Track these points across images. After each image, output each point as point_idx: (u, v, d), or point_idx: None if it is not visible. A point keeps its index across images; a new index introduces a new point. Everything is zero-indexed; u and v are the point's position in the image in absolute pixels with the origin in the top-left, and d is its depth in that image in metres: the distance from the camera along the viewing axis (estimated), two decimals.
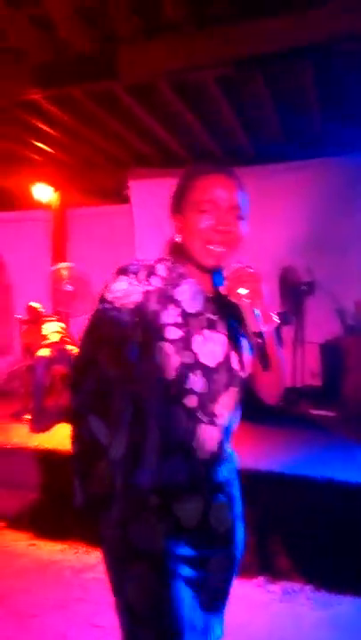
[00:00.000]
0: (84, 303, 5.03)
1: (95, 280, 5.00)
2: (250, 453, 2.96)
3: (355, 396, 4.48)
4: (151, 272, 1.12)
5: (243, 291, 1.03)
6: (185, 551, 1.11)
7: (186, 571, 1.11)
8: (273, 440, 3.80)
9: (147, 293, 1.09)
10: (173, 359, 1.06)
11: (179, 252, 1.17)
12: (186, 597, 1.10)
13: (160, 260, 1.16)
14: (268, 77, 3.76)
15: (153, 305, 1.09)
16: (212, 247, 1.10)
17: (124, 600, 1.10)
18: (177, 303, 1.10)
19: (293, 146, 5.00)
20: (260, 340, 1.03)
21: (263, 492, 2.82)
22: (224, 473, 1.15)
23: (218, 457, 1.13)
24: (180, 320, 1.08)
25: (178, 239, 1.15)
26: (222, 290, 1.07)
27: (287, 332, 4.98)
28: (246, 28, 3.00)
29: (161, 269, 1.13)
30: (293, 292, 5.13)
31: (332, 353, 4.99)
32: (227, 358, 1.12)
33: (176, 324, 1.08)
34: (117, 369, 1.08)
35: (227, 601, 1.22)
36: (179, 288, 1.12)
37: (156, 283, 1.11)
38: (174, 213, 1.17)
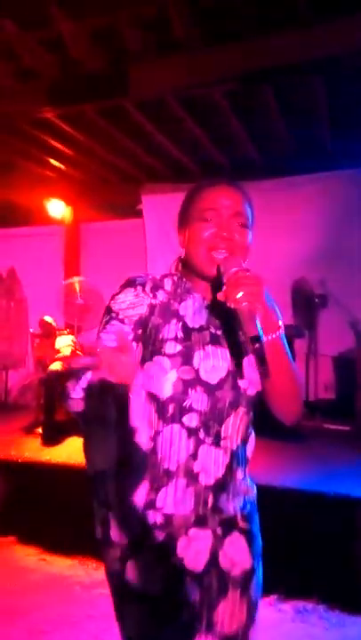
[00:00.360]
0: (95, 317, 5.06)
1: (107, 294, 5.03)
2: (262, 468, 2.91)
3: None
4: (157, 286, 1.11)
5: (240, 294, 0.96)
6: (189, 595, 1.03)
7: (187, 616, 1.03)
8: (286, 455, 3.74)
9: (151, 306, 1.08)
10: (170, 374, 1.03)
11: (185, 268, 1.16)
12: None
13: (167, 275, 1.15)
14: (277, 91, 3.78)
15: (156, 318, 1.07)
16: (215, 254, 1.07)
17: (124, 632, 1.08)
18: (180, 318, 1.08)
19: (304, 159, 5.01)
20: (257, 345, 0.95)
21: (275, 507, 2.77)
22: (239, 505, 1.07)
23: (226, 484, 1.05)
24: (181, 335, 1.06)
25: (183, 253, 1.14)
26: (220, 296, 1.00)
27: (300, 344, 4.94)
28: (254, 44, 3.04)
29: (167, 284, 1.12)
30: (306, 305, 5.10)
31: (345, 366, 4.94)
32: (231, 375, 1.06)
33: (176, 339, 1.05)
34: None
35: None
36: (184, 303, 1.10)
37: (161, 297, 1.10)
38: (180, 228, 1.16)
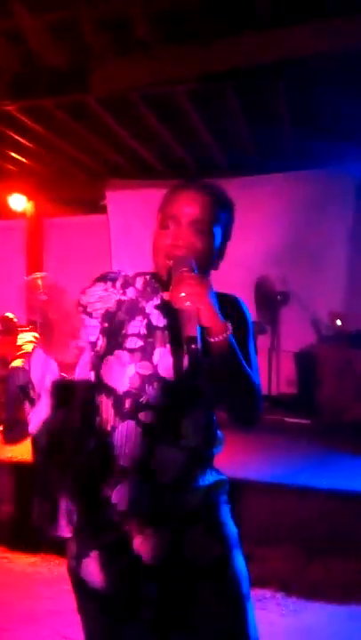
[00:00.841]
0: (58, 313, 5.02)
1: (71, 289, 5.00)
2: (223, 460, 2.97)
3: (329, 405, 4.54)
4: (128, 283, 1.12)
5: (182, 294, 0.96)
6: (150, 590, 1.00)
7: (148, 613, 1.00)
8: (247, 448, 3.82)
9: (119, 302, 1.09)
10: (129, 368, 1.04)
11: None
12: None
13: (140, 274, 1.16)
14: (238, 91, 3.84)
15: (122, 314, 1.09)
16: (170, 262, 1.07)
17: (84, 630, 1.06)
18: (145, 315, 1.09)
19: (266, 159, 5.10)
20: (193, 346, 0.93)
21: (235, 498, 2.84)
22: (201, 501, 1.06)
23: (185, 482, 1.04)
24: (144, 331, 1.07)
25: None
26: (165, 296, 1.01)
27: (263, 340, 5.04)
28: (214, 46, 3.08)
29: (138, 282, 1.13)
30: (268, 302, 5.20)
31: (307, 362, 5.06)
32: (191, 375, 1.04)
33: (139, 335, 1.06)
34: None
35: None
36: (151, 302, 1.11)
37: (130, 294, 1.11)
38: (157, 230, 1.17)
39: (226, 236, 1.15)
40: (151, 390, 1.03)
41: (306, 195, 5.24)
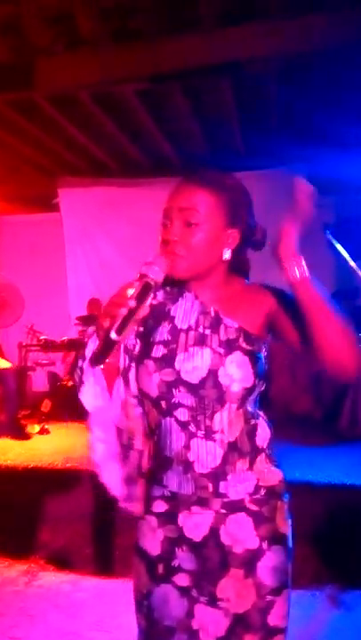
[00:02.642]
0: (12, 312, 4.94)
1: (24, 288, 4.93)
2: None
3: (280, 397, 4.66)
4: (159, 286, 1.09)
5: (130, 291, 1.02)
6: (187, 564, 1.09)
7: (183, 581, 1.09)
8: None
9: (152, 307, 1.09)
10: (154, 377, 1.09)
11: None
12: (172, 600, 1.08)
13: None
14: (187, 92, 3.88)
15: (151, 320, 1.12)
16: (170, 257, 1.07)
17: (133, 583, 1.16)
18: (171, 319, 1.12)
19: (218, 158, 5.16)
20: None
21: None
22: (247, 490, 1.09)
23: (225, 473, 1.07)
24: (168, 337, 1.10)
25: None
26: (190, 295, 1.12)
27: None
28: (161, 46, 3.11)
29: (168, 284, 1.13)
30: None
31: (270, 356, 5.14)
32: (212, 374, 1.06)
33: (163, 342, 1.10)
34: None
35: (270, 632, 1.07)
36: (177, 303, 1.13)
37: (160, 297, 1.15)
38: None
39: (235, 221, 1.10)
40: (178, 393, 1.08)
41: (260, 194, 5.32)
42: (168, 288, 1.15)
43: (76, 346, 5.08)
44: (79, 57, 3.27)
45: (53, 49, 3.23)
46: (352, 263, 3.40)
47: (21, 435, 4.05)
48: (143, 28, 3.10)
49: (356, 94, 3.88)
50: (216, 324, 1.10)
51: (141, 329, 1.12)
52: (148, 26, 3.03)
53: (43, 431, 4.20)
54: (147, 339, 1.11)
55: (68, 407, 4.60)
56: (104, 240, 5.90)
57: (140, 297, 1.00)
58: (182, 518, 1.09)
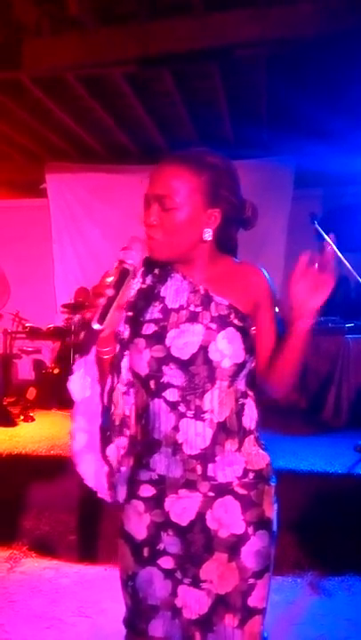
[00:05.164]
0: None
1: (10, 275, 4.88)
2: None
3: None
4: (148, 270, 1.15)
5: (109, 279, 1.04)
6: (172, 548, 1.09)
7: (168, 563, 1.09)
8: None
9: (140, 290, 1.12)
10: (144, 353, 1.08)
11: None
12: (157, 582, 1.09)
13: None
14: (177, 77, 3.84)
15: (140, 302, 1.12)
16: (150, 242, 1.08)
17: (119, 566, 1.16)
18: (161, 300, 1.11)
19: (207, 145, 5.11)
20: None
21: None
22: (235, 474, 1.08)
23: (213, 454, 1.07)
24: (160, 316, 1.09)
25: None
26: (176, 273, 1.13)
27: None
28: (149, 29, 3.06)
29: (155, 267, 1.15)
30: None
31: None
32: (202, 350, 1.06)
33: (154, 320, 1.09)
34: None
35: (252, 617, 1.08)
36: (166, 284, 1.13)
37: (148, 281, 1.14)
38: None
39: (216, 201, 1.09)
40: (169, 370, 1.07)
41: (246, 184, 5.31)
42: (156, 271, 1.14)
43: (62, 333, 5.06)
44: (66, 38, 3.21)
45: (40, 29, 3.17)
46: (339, 253, 3.41)
47: (7, 422, 4.03)
48: (132, 11, 3.05)
49: (344, 85, 3.87)
50: (207, 301, 1.09)
51: (130, 313, 1.11)
52: (136, 8, 2.98)
53: (27, 419, 4.18)
54: (137, 319, 1.10)
55: (53, 395, 4.58)
56: (91, 226, 5.85)
57: (118, 284, 1.01)
58: (169, 502, 1.08)
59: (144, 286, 1.13)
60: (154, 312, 1.10)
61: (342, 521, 2.65)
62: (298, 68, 3.68)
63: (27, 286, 5.62)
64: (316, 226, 3.26)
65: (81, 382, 1.14)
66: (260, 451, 1.12)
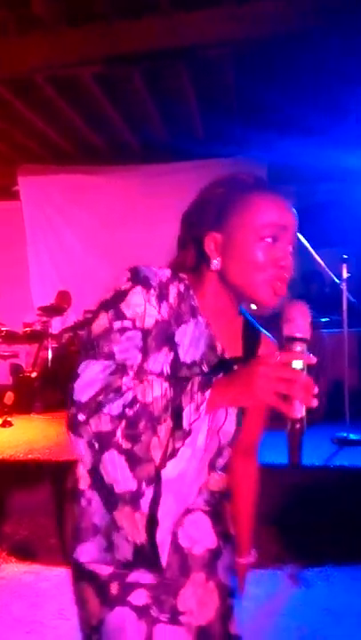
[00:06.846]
0: None
1: None
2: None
3: None
4: (163, 294, 0.90)
5: (298, 364, 0.74)
6: (144, 577, 0.93)
7: (140, 599, 0.93)
8: None
9: (156, 322, 0.88)
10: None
11: (201, 276, 0.94)
12: (129, 627, 0.93)
13: (174, 279, 0.93)
14: (146, 76, 3.84)
15: (151, 341, 0.88)
16: (279, 285, 0.87)
17: (78, 612, 0.99)
18: (173, 347, 0.90)
19: (177, 144, 5.13)
20: (298, 426, 0.78)
21: None
22: (203, 498, 0.98)
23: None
24: (167, 370, 0.89)
25: (216, 264, 0.90)
26: (203, 322, 0.91)
27: None
28: (117, 29, 3.06)
29: (173, 294, 0.91)
30: None
31: None
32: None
33: (161, 375, 0.88)
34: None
35: None
36: (183, 326, 0.91)
37: (164, 311, 0.89)
38: (210, 229, 0.91)
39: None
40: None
41: None
42: (173, 300, 0.91)
43: (39, 337, 5.02)
44: (32, 38, 3.18)
45: (7, 29, 3.14)
46: (312, 250, 3.45)
47: None
48: (99, 10, 3.04)
49: (314, 80, 3.92)
50: (219, 365, 0.93)
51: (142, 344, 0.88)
52: (103, 7, 2.97)
53: (5, 423, 4.14)
54: (141, 364, 0.88)
55: (31, 399, 4.54)
56: (65, 228, 5.81)
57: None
58: None
59: (159, 318, 0.88)
60: (162, 363, 0.88)
61: (321, 513, 2.69)
62: (267, 64, 3.71)
63: (2, 290, 5.56)
64: None
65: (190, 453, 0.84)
66: (220, 472, 1.02)
